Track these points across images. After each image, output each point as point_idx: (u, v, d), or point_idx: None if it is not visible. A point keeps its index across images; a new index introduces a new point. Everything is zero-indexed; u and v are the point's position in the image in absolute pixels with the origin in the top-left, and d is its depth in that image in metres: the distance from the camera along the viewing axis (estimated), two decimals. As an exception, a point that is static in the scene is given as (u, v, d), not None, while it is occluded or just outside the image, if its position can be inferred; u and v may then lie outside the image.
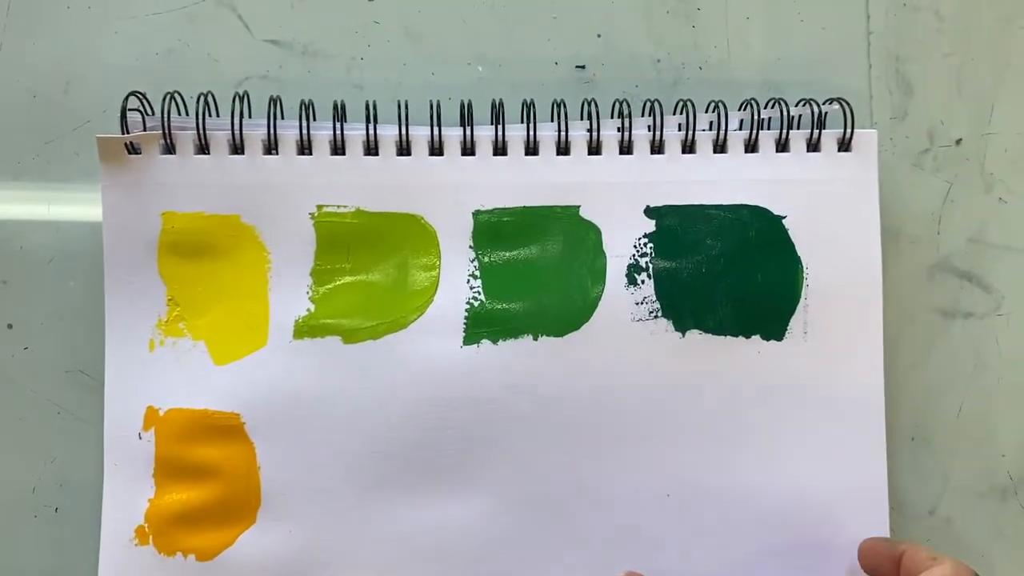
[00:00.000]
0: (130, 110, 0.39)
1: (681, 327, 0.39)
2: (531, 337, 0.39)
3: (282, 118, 0.40)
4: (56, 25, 0.42)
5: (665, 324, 0.39)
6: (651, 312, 0.39)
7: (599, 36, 0.42)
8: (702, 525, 0.38)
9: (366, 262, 0.39)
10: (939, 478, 0.42)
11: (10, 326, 0.41)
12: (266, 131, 0.38)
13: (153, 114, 0.39)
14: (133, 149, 0.38)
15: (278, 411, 0.38)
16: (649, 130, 0.40)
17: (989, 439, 0.42)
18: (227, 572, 0.37)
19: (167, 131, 0.38)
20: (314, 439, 0.38)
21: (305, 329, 0.38)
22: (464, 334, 0.38)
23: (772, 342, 0.39)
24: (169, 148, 0.38)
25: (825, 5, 0.43)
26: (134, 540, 0.37)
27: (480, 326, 0.38)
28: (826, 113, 0.40)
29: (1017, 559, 0.41)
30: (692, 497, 0.38)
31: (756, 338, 0.39)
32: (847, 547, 0.38)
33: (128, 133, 0.38)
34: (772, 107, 0.41)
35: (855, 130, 0.40)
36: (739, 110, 0.41)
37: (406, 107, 0.39)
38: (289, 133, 0.39)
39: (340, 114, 0.39)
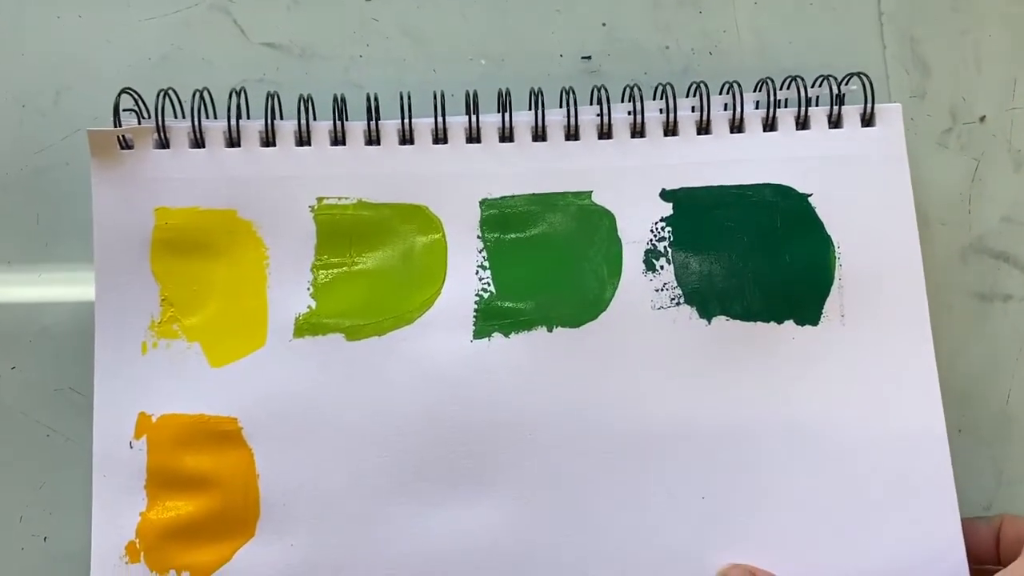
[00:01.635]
0: (125, 110, 0.37)
1: (706, 314, 0.37)
2: (545, 329, 0.36)
3: (280, 118, 0.38)
4: (46, 35, 0.41)
5: (689, 311, 0.37)
6: (672, 299, 0.37)
7: (604, 25, 0.41)
8: (743, 530, 0.35)
9: (369, 255, 0.37)
10: (991, 472, 0.39)
11: (-3, 345, 0.39)
12: (264, 124, 0.37)
13: (149, 117, 0.38)
14: (125, 144, 0.37)
15: (278, 415, 0.35)
16: (661, 112, 0.38)
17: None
18: (225, 591, 0.34)
19: (161, 124, 0.36)
20: (316, 444, 0.35)
21: (306, 327, 0.36)
22: (474, 328, 0.36)
23: (807, 327, 0.37)
24: (163, 143, 0.37)
25: (835, -14, 0.42)
26: (124, 558, 0.35)
27: (491, 319, 0.36)
28: (844, 94, 0.38)
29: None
30: (729, 497, 0.35)
31: (789, 323, 0.37)
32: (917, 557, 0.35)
33: (120, 127, 0.37)
34: (788, 87, 0.39)
35: (877, 104, 0.38)
36: (754, 91, 0.39)
37: (408, 97, 0.38)
38: (287, 125, 0.37)
39: (340, 106, 0.38)
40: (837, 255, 0.37)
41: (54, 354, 0.39)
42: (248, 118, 0.38)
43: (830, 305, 0.37)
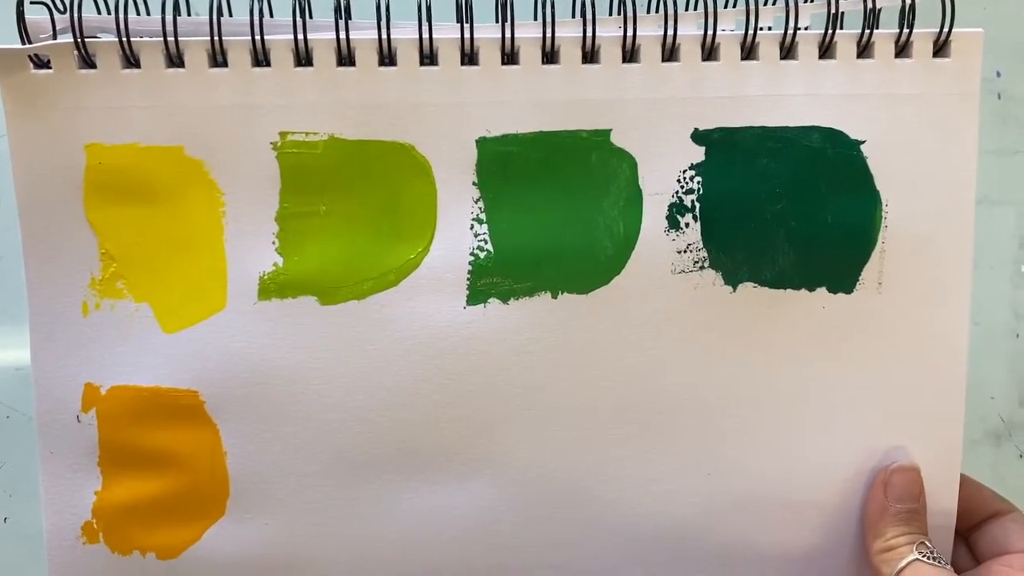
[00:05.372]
0: (33, 3, 0.30)
1: (732, 280, 0.32)
2: (549, 295, 0.32)
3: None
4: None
5: (713, 276, 0.32)
6: (696, 262, 0.32)
7: None
8: (747, 506, 0.33)
9: (344, 204, 0.31)
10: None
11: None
12: (210, 37, 0.30)
13: (64, 11, 0.30)
14: (40, 62, 0.30)
15: (244, 387, 0.31)
16: (699, 28, 0.31)
17: (975, 383, 0.38)
18: (194, 571, 0.32)
19: (80, 37, 0.29)
20: (289, 418, 0.32)
21: (272, 288, 0.31)
22: (468, 292, 0.32)
23: (840, 295, 0.32)
24: (87, 60, 0.30)
25: None
26: (82, 538, 0.32)
27: (487, 282, 0.32)
28: (912, 9, 0.31)
29: (1022, 506, 0.36)
30: (738, 477, 0.33)
31: (821, 291, 0.32)
32: None
33: (29, 40, 0.29)
34: (849, -4, 0.32)
35: (955, 29, 0.32)
36: (807, 1, 0.33)
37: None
38: (239, 39, 0.30)
39: (303, 6, 0.30)
40: (884, 213, 0.32)
41: (15, 333, 0.37)
42: (189, 13, 0.31)
43: (868, 271, 0.32)
